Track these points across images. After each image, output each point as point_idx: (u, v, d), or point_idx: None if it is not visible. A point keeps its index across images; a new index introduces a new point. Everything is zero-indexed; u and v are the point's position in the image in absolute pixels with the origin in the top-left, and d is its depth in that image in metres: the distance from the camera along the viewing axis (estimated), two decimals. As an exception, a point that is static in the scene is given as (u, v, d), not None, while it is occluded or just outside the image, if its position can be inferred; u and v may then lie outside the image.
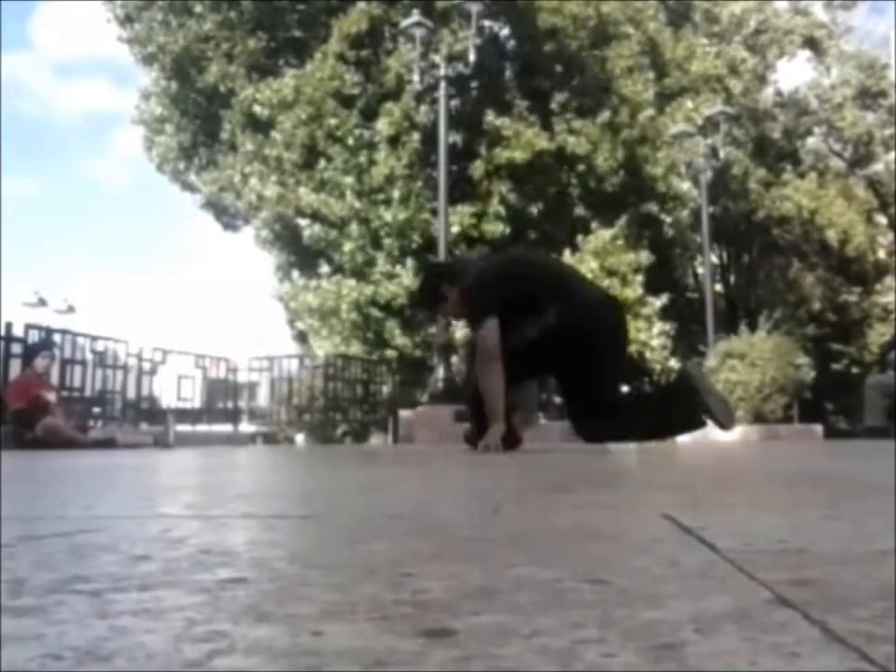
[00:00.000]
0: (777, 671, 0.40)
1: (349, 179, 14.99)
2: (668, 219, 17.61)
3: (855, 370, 21.79)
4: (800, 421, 12.31)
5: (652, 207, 17.11)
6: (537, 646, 0.44)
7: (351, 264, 15.05)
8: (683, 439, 9.93)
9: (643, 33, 17.68)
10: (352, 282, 14.95)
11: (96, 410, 10.79)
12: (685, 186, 17.44)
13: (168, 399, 12.31)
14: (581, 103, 16.62)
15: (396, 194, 14.97)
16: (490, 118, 15.72)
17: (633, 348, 15.86)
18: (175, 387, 12.15)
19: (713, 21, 21.43)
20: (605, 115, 16.23)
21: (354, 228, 14.88)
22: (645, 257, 16.28)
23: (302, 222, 15.59)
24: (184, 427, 10.83)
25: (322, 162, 15.15)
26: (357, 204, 14.87)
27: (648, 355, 15.98)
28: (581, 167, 16.20)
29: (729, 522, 1.11)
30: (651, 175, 16.82)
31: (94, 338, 10.57)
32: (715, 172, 16.95)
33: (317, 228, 15.28)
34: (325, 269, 15.91)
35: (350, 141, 15.08)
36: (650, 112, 16.70)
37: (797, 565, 0.69)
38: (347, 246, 15.03)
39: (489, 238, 15.52)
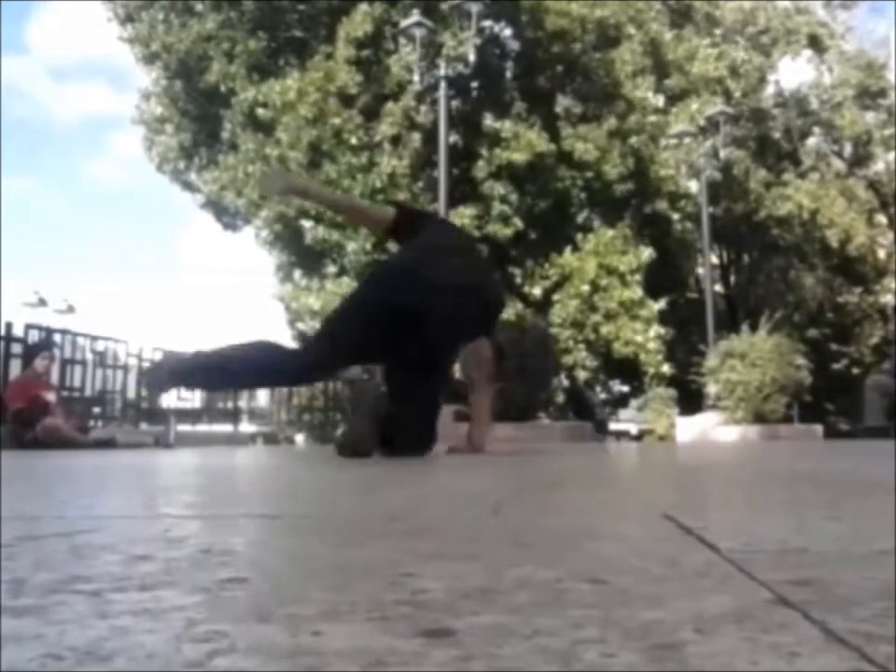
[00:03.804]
0: (776, 671, 0.40)
1: (353, 181, 14.98)
2: (677, 216, 17.63)
3: (855, 370, 21.79)
4: (800, 421, 12.30)
5: (661, 206, 17.12)
6: (537, 646, 0.44)
7: (354, 265, 15.05)
8: (683, 438, 9.87)
9: (646, 34, 17.70)
10: (354, 283, 14.94)
11: (96, 410, 10.80)
12: (691, 185, 17.48)
13: (168, 399, 12.32)
14: (585, 107, 16.63)
15: (400, 195, 14.97)
16: (489, 121, 15.74)
17: (628, 350, 15.88)
18: (174, 387, 12.13)
19: (714, 24, 21.44)
20: (611, 121, 16.23)
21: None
22: (647, 255, 16.29)
23: (306, 223, 15.58)
24: (184, 427, 10.84)
25: (326, 163, 15.15)
26: None
27: (643, 357, 15.98)
28: (589, 174, 16.20)
29: (729, 522, 1.10)
30: (660, 176, 16.85)
31: (94, 338, 10.58)
32: (716, 172, 16.98)
33: (321, 229, 15.28)
34: (331, 269, 15.89)
35: (353, 141, 15.09)
36: (653, 118, 16.72)
37: (797, 565, 0.69)
38: (351, 247, 15.03)
39: (492, 239, 15.54)
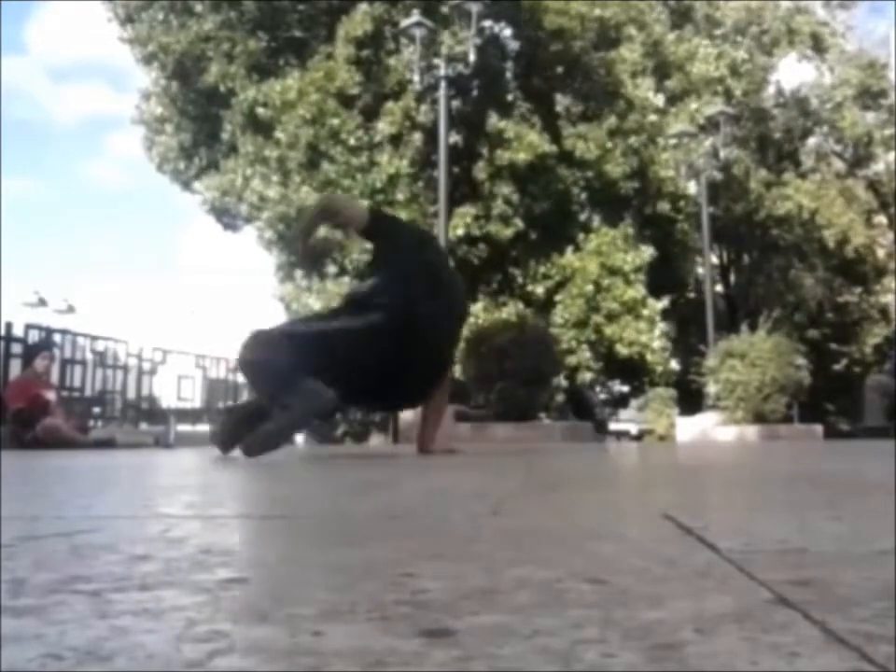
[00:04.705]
0: (776, 671, 0.40)
1: (354, 181, 14.98)
2: (679, 217, 17.64)
3: (855, 369, 21.79)
4: (800, 421, 12.29)
5: (662, 207, 17.15)
6: (537, 646, 0.44)
7: (355, 265, 15.05)
8: (683, 438, 9.85)
9: (647, 35, 17.71)
10: (356, 283, 14.94)
11: (96, 410, 10.81)
12: (690, 186, 17.51)
13: (168, 399, 12.32)
14: (586, 107, 16.64)
15: (399, 196, 14.97)
16: (493, 120, 15.74)
17: (633, 350, 15.87)
18: (174, 387, 12.18)
19: (714, 24, 21.45)
20: (611, 120, 16.23)
21: None
22: (648, 254, 16.30)
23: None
24: (184, 427, 10.84)
25: (325, 163, 15.15)
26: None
27: (649, 357, 15.98)
28: (590, 173, 16.20)
29: (729, 522, 1.11)
30: (660, 176, 16.86)
31: (94, 338, 10.59)
32: (716, 172, 16.99)
33: (322, 229, 15.25)
34: (331, 269, 15.88)
35: (352, 141, 15.08)
36: (653, 117, 16.74)
37: (797, 565, 0.69)
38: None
39: (493, 240, 15.53)
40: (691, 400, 15.05)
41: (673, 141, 16.81)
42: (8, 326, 8.88)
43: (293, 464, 3.49)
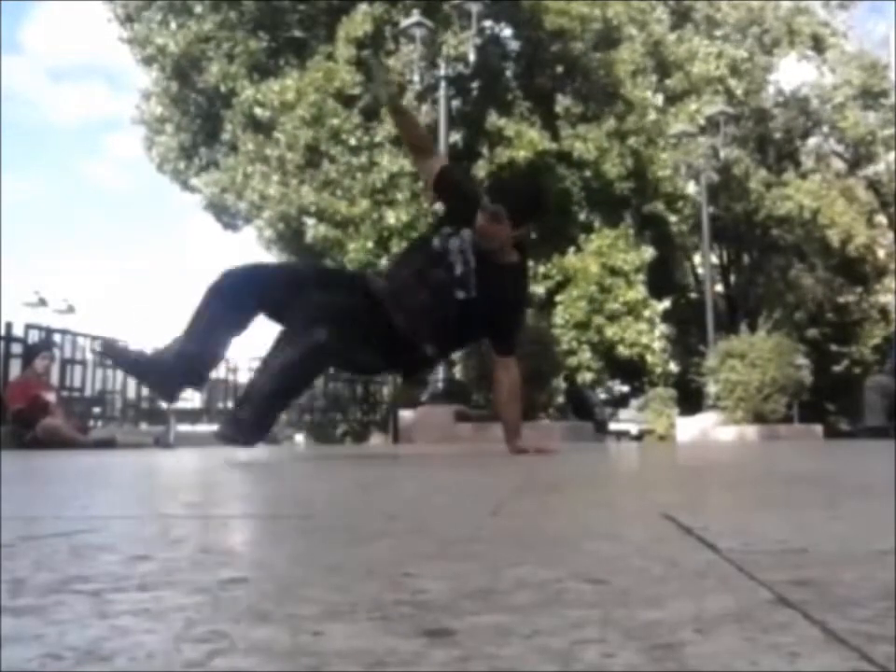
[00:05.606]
0: (776, 671, 0.40)
1: (354, 180, 14.98)
2: (674, 218, 17.63)
3: (855, 370, 21.80)
4: (800, 421, 12.30)
5: (658, 206, 17.15)
6: (537, 646, 0.44)
7: (355, 264, 15.06)
8: (683, 438, 9.84)
9: (648, 35, 17.71)
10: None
11: (96, 410, 10.80)
12: (689, 186, 17.51)
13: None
14: (585, 107, 16.64)
15: (400, 195, 14.97)
16: (493, 118, 15.74)
17: (634, 351, 15.86)
18: (174, 387, 12.13)
19: (714, 25, 21.45)
20: (610, 121, 16.22)
21: (366, 228, 14.85)
22: (649, 254, 16.30)
23: (309, 221, 15.57)
24: (184, 427, 10.83)
25: (325, 163, 15.16)
26: (365, 205, 14.88)
27: (649, 358, 15.97)
28: (588, 173, 16.20)
29: (729, 522, 1.10)
30: (657, 176, 16.85)
31: (94, 338, 10.59)
32: (717, 172, 16.99)
33: (322, 228, 15.26)
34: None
35: (352, 141, 15.08)
36: (653, 116, 16.73)
37: (797, 565, 0.69)
38: (352, 246, 15.03)
39: None
40: (691, 400, 15.05)
41: (673, 141, 16.81)
42: (8, 326, 8.88)
43: (293, 463, 3.50)
